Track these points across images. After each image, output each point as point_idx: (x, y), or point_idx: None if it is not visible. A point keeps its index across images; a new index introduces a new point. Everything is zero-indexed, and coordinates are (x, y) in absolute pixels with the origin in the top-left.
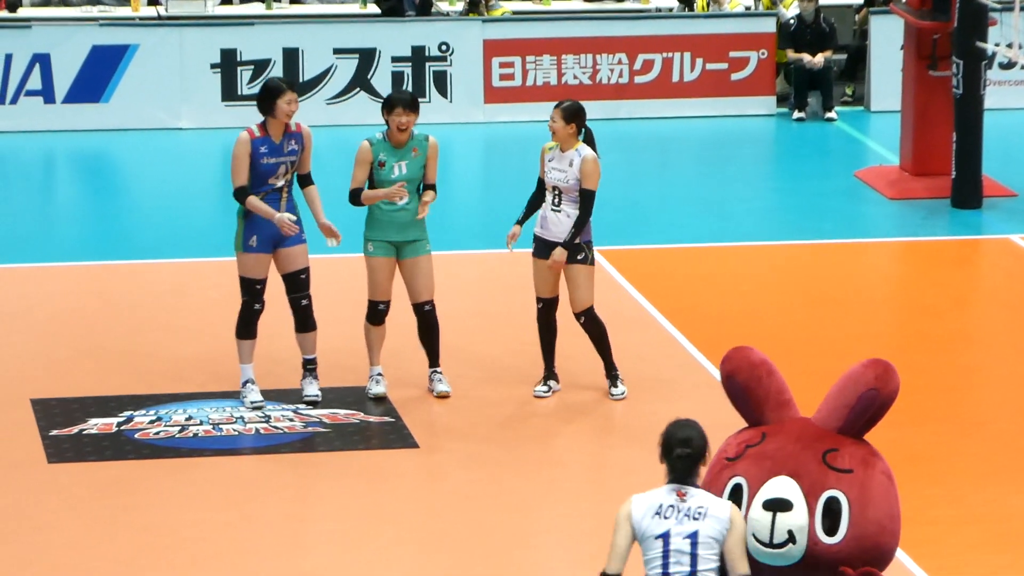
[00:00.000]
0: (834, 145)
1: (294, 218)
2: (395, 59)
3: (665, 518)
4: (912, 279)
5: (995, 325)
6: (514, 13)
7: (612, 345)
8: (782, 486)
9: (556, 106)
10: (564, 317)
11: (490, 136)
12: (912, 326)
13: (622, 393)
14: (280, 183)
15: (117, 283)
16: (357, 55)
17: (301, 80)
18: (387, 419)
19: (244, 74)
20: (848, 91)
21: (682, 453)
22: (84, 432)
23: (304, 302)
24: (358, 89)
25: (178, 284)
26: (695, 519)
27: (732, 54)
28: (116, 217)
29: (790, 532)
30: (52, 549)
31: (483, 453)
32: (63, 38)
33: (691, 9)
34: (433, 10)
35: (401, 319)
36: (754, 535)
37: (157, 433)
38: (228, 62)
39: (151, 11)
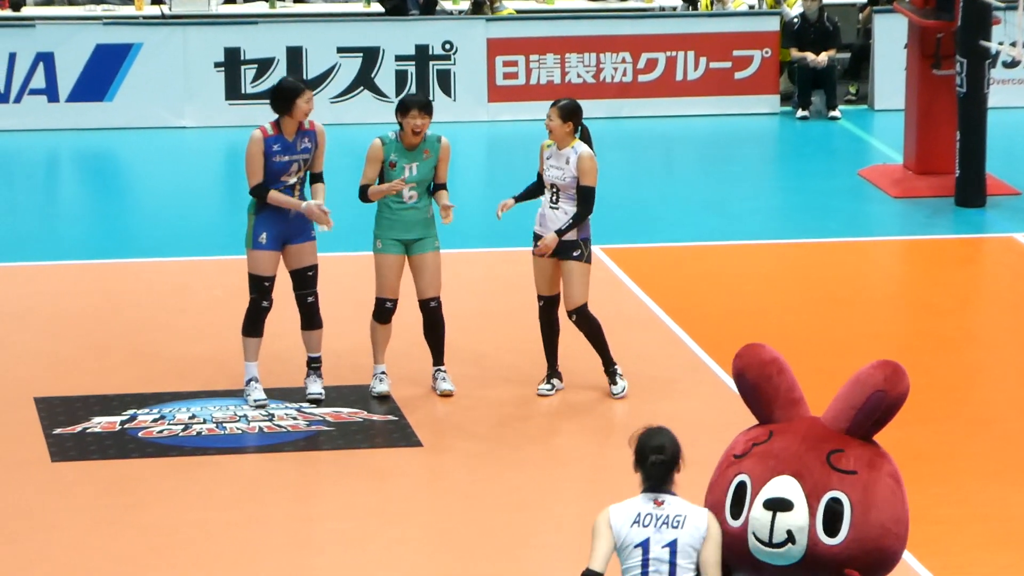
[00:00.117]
0: (838, 144)
1: (320, 202)
2: (399, 58)
3: (644, 526)
4: (916, 278)
5: (999, 323)
6: (518, 12)
7: (614, 344)
8: (784, 486)
9: (553, 105)
10: (566, 316)
11: (494, 135)
12: (916, 325)
13: (622, 390)
14: (292, 180)
15: (121, 282)
16: (361, 54)
17: (304, 79)
18: (391, 418)
19: (248, 73)
20: (852, 90)
21: (656, 460)
22: (88, 431)
23: (310, 299)
24: (362, 88)
25: (182, 283)
26: (674, 527)
27: (736, 53)
28: (120, 216)
29: (789, 532)
30: (55, 548)
31: (487, 452)
32: (67, 37)
33: (695, 8)
34: (437, 9)
35: (406, 318)
36: (754, 534)
37: (161, 432)
38: (232, 61)
39: (155, 10)
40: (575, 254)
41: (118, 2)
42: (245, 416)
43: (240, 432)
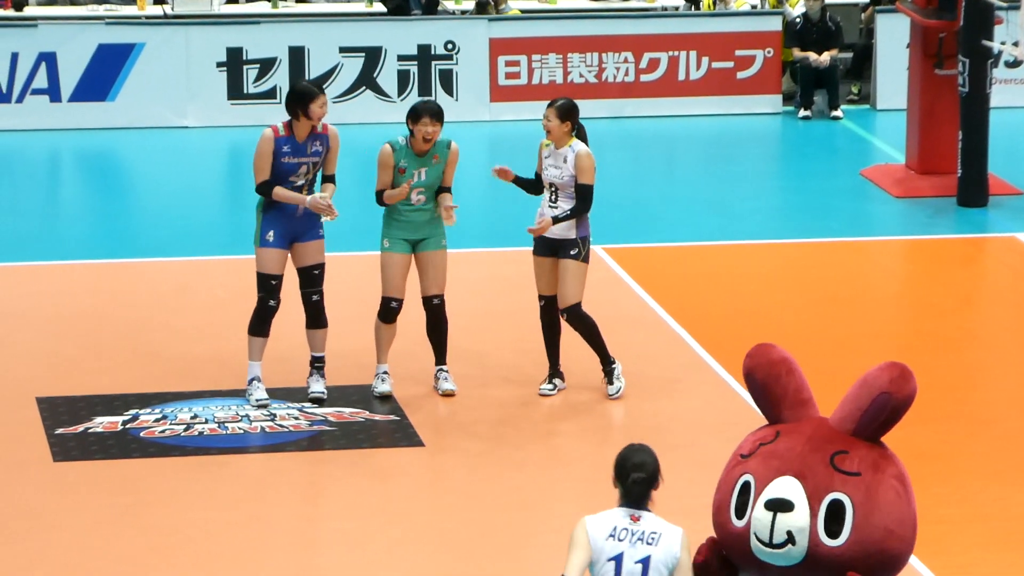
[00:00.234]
0: (840, 143)
1: (326, 195)
2: (401, 58)
3: (619, 540)
4: (918, 277)
5: (1001, 323)
6: (520, 12)
7: (615, 343)
8: (786, 486)
9: (550, 104)
10: None
11: (496, 135)
12: (918, 324)
13: (617, 391)
14: (300, 182)
15: (123, 281)
16: (363, 54)
17: (307, 79)
18: (393, 417)
19: (250, 73)
20: (854, 89)
21: (637, 478)
22: (90, 431)
23: (315, 297)
24: (364, 88)
25: (184, 283)
26: (648, 544)
27: (738, 52)
28: (122, 216)
29: (789, 533)
30: (57, 548)
31: (488, 452)
32: (69, 37)
33: (697, 7)
34: (439, 9)
35: (408, 318)
36: (755, 534)
37: (163, 432)
38: (234, 61)
39: (157, 10)
40: (572, 252)
41: (120, 2)
42: (247, 416)
43: (242, 432)
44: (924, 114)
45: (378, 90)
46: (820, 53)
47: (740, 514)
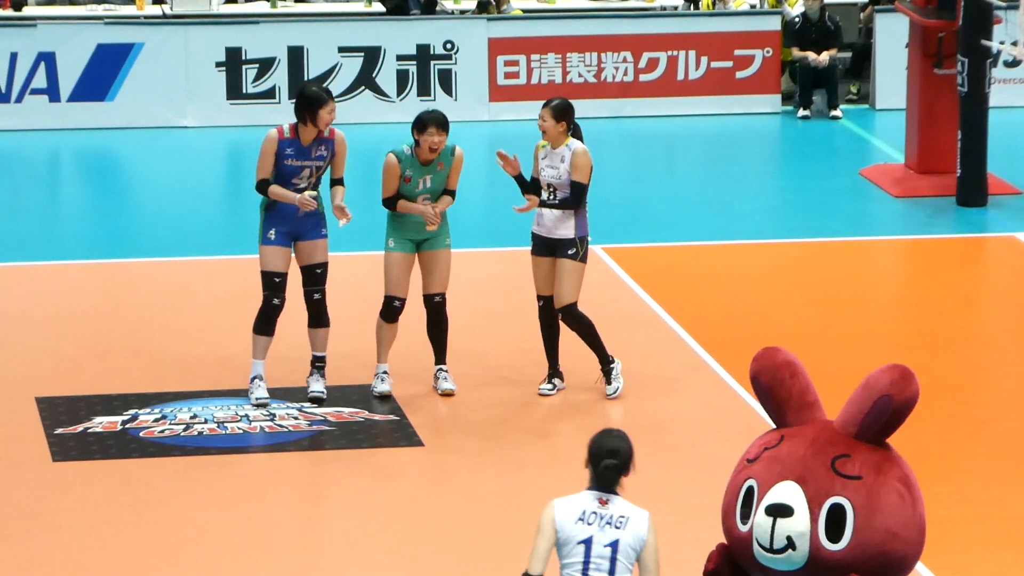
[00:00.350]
0: (839, 143)
1: (314, 194)
2: (400, 57)
3: (588, 524)
4: (917, 277)
5: (1000, 323)
6: (523, 12)
7: (615, 343)
8: (786, 491)
9: (545, 105)
10: None
11: (495, 134)
12: (917, 324)
13: (615, 391)
14: (303, 185)
15: (122, 281)
16: (362, 53)
17: (305, 79)
18: (392, 417)
19: (249, 72)
20: (853, 89)
21: (610, 464)
22: (89, 430)
23: (317, 296)
24: (363, 88)
25: (183, 283)
26: (617, 527)
27: (737, 52)
28: (121, 215)
29: (789, 538)
30: (57, 548)
31: (488, 451)
32: (68, 37)
33: (696, 7)
34: (438, 8)
35: (409, 318)
36: (757, 539)
37: (162, 432)
38: (233, 60)
39: (156, 10)
40: (571, 252)
41: (119, 2)
42: (247, 416)
43: (242, 432)
44: (923, 114)
45: (377, 90)
46: (819, 53)
47: (745, 519)
